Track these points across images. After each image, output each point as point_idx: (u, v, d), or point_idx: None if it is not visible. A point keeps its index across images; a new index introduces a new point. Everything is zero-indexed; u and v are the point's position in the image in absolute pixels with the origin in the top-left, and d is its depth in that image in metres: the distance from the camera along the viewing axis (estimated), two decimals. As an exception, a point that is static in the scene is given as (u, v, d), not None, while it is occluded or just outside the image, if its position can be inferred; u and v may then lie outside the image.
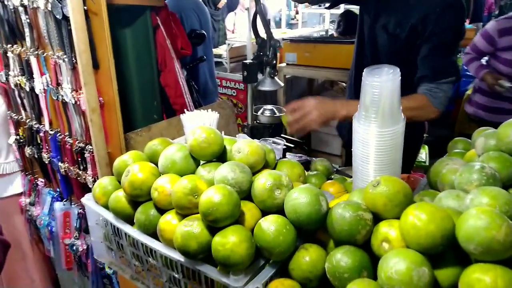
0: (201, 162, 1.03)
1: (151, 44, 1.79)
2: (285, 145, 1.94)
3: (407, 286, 0.64)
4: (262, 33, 1.56)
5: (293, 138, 2.14)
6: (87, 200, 1.14)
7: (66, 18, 1.25)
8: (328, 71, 3.16)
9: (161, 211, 0.97)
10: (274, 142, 1.73)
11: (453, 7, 1.38)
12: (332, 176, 1.45)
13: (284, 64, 3.31)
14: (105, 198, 1.08)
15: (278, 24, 5.13)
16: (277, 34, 4.26)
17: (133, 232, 0.99)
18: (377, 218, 0.81)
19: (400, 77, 0.92)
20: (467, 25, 6.09)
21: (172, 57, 1.90)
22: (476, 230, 0.62)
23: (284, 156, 1.87)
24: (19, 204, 2.02)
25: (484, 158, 0.93)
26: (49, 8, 1.27)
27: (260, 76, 1.57)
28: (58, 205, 1.77)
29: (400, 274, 0.64)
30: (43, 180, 1.90)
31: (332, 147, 3.17)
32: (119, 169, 1.07)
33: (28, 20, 1.42)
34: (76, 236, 1.71)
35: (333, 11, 4.39)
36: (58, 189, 1.80)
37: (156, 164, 1.06)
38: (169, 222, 0.91)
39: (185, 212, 0.89)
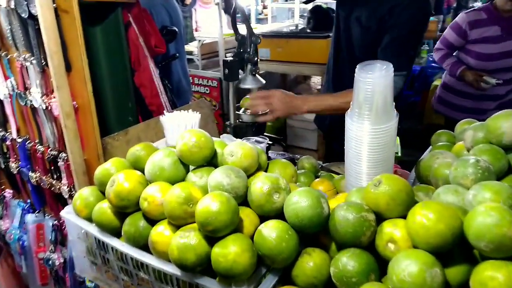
0: (191, 167, 0.99)
1: (123, 43, 1.71)
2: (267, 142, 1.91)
3: (421, 289, 0.62)
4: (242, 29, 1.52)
5: (271, 135, 2.12)
6: (66, 213, 1.06)
7: (32, 17, 1.15)
8: (302, 66, 3.16)
9: (151, 221, 0.91)
10: (256, 141, 1.70)
11: (417, 1, 1.40)
12: (320, 173, 1.44)
13: (257, 60, 3.28)
14: (87, 211, 1.01)
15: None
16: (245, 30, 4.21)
17: (121, 246, 0.93)
18: (379, 218, 0.79)
19: (393, 73, 0.91)
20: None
21: (145, 55, 1.82)
22: (487, 228, 0.62)
23: (266, 154, 1.84)
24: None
25: (475, 151, 0.94)
26: (12, 6, 1.17)
27: (241, 74, 1.53)
28: (30, 217, 1.65)
29: (413, 277, 0.63)
30: (11, 191, 1.77)
31: (309, 142, 3.17)
32: (102, 179, 1.00)
33: (-13, 20, 1.31)
34: (51, 249, 1.60)
35: (302, 5, 4.39)
36: (29, 200, 1.69)
37: (141, 171, 1.01)
38: (161, 233, 0.86)
39: (179, 222, 0.84)
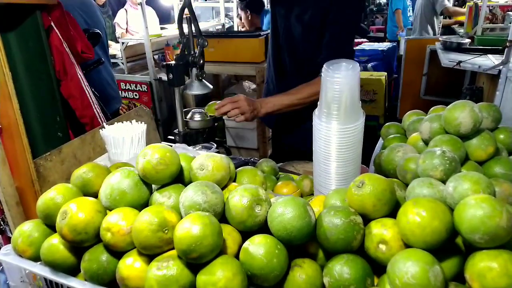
0: (154, 187, 0.89)
1: (45, 49, 1.51)
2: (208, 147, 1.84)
3: (426, 289, 0.62)
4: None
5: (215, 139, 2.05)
6: (4, 255, 0.89)
7: None
8: (235, 65, 3.12)
9: (115, 254, 0.80)
10: (204, 147, 1.62)
11: None
12: (279, 175, 1.41)
13: (189, 61, 3.16)
14: (32, 249, 0.86)
15: (170, 19, 4.89)
16: (172, 29, 4.05)
17: (82, 285, 0.80)
18: (365, 219, 0.78)
19: (359, 72, 0.91)
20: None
21: (72, 62, 1.63)
22: (480, 220, 0.63)
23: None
24: None
25: (436, 142, 0.97)
26: None
27: (186, 79, 1.43)
28: None
29: (417, 278, 0.62)
30: None
31: (249, 141, 3.15)
32: (47, 210, 0.86)
33: None
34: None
35: (227, 4, 4.35)
36: None
37: (93, 197, 0.88)
38: (131, 266, 0.76)
39: (154, 252, 0.74)
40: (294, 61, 1.69)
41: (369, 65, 4.80)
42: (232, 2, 4.15)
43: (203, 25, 4.33)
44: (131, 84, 3.38)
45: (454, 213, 0.68)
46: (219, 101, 1.52)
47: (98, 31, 2.46)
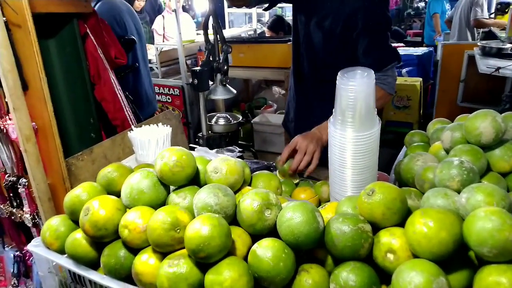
0: (171, 187, 0.92)
1: (81, 55, 1.61)
2: (239, 151, 1.87)
3: (429, 300, 0.61)
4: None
5: (240, 142, 2.08)
6: (35, 246, 0.96)
7: (-21, 33, 1.04)
8: (264, 70, 3.15)
9: (133, 250, 0.84)
10: (228, 151, 1.66)
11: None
12: (299, 180, 1.42)
13: (219, 66, 3.23)
14: (58, 242, 0.92)
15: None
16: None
17: (101, 279, 0.85)
18: (375, 227, 0.78)
19: (374, 80, 0.91)
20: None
21: (105, 67, 1.72)
22: (489, 233, 0.61)
23: (239, 163, 1.80)
24: None
25: (456, 151, 0.95)
26: (-44, 22, 1.05)
27: (211, 83, 1.48)
28: (-14, 250, 1.51)
29: (420, 289, 0.61)
30: (-39, 223, 1.60)
31: (277, 146, 3.17)
32: (73, 207, 0.92)
33: None
34: (14, 283, 1.47)
35: (259, 10, 4.40)
36: (-17, 232, 1.53)
37: (114, 195, 0.93)
38: (146, 263, 0.80)
39: (166, 250, 0.78)
40: (313, 68, 1.68)
41: (404, 70, 4.68)
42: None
43: (236, 31, 4.40)
44: (165, 88, 3.50)
45: (463, 225, 0.67)
46: (286, 160, 1.36)
47: (133, 37, 2.57)
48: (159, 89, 3.53)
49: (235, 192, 0.91)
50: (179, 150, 0.89)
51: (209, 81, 1.48)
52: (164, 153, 0.88)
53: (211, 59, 1.43)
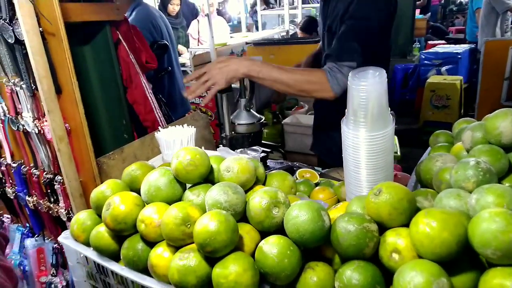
0: (187, 185, 0.97)
1: (113, 61, 1.70)
2: (264, 151, 1.90)
3: (429, 300, 0.61)
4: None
5: (269, 143, 2.10)
6: (64, 238, 1.04)
7: (19, 42, 1.14)
8: (295, 71, 3.14)
9: (150, 244, 0.89)
10: (252, 150, 1.68)
11: None
12: (319, 181, 1.42)
13: (250, 68, 3.28)
14: (85, 235, 0.99)
15: (237, 28, 5.08)
16: (239, 38, 4.22)
17: (120, 270, 0.91)
18: (382, 227, 0.78)
19: (386, 79, 0.90)
20: (418, 15, 6.34)
21: (137, 72, 1.81)
22: (492, 235, 0.60)
23: (265, 164, 1.82)
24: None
25: (475, 152, 0.92)
26: (-1, 32, 1.16)
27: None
28: (29, 242, 1.63)
29: (420, 289, 0.61)
30: (9, 216, 1.75)
31: (307, 147, 3.15)
32: (98, 202, 0.99)
33: (-25, 47, 1.29)
34: (53, 273, 1.58)
35: (292, 11, 4.40)
36: (27, 225, 1.66)
37: (137, 192, 0.99)
38: (160, 256, 0.84)
39: (178, 244, 0.82)
40: None
41: (443, 68, 4.51)
42: (297, 9, 4.19)
43: (268, 32, 4.44)
44: (198, 90, 3.60)
45: (468, 226, 0.65)
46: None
47: (166, 42, 2.67)
48: (193, 92, 3.63)
49: (248, 190, 0.94)
50: (193, 150, 0.93)
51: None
52: (179, 152, 0.93)
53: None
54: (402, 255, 0.71)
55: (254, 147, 1.66)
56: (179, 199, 0.94)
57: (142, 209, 0.89)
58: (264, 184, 1.04)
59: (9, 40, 1.15)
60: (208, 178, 0.97)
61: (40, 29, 1.10)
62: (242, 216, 0.86)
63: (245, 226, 0.84)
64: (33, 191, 1.47)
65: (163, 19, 2.83)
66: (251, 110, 1.48)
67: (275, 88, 1.46)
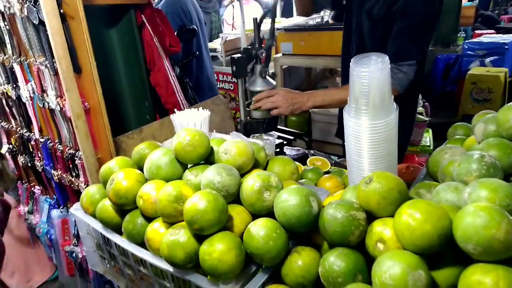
0: (189, 165, 1.00)
1: (137, 43, 1.75)
2: (284, 138, 1.90)
3: (403, 291, 0.60)
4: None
5: (293, 130, 2.10)
6: (75, 210, 1.11)
7: (43, 23, 1.20)
8: (325, 59, 3.09)
9: (149, 219, 0.93)
10: (268, 135, 1.69)
11: None
12: (330, 169, 1.41)
13: (280, 54, 3.25)
14: (93, 208, 1.05)
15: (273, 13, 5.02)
16: (269, 24, 4.16)
17: (121, 242, 0.96)
18: (371, 216, 0.77)
19: (389, 65, 0.87)
20: (466, 2, 5.97)
21: (160, 55, 1.85)
22: (474, 229, 0.58)
23: (282, 151, 1.82)
24: (19, 213, 2.01)
25: (484, 145, 0.88)
26: (25, 14, 1.22)
27: (249, 70, 1.51)
28: (55, 213, 1.74)
29: (394, 279, 0.60)
30: (39, 188, 1.87)
31: (334, 136, 3.10)
32: (105, 177, 1.04)
33: (7, 27, 1.38)
34: (75, 243, 1.69)
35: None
36: (54, 196, 1.78)
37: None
38: (156, 230, 0.88)
39: (171, 220, 0.85)
40: None
41: (487, 60, 4.24)
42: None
43: (303, 18, 4.35)
44: (227, 76, 3.62)
45: (453, 219, 0.63)
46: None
47: (194, 27, 2.70)
48: (222, 77, 3.66)
49: (245, 174, 0.95)
50: (193, 131, 0.95)
51: (247, 68, 1.52)
52: (180, 132, 0.95)
53: (251, 47, 1.47)
54: (387, 245, 0.70)
55: (269, 133, 1.66)
56: (179, 178, 0.97)
57: (142, 186, 0.93)
58: (265, 168, 1.05)
59: (34, 21, 1.22)
60: (209, 159, 0.99)
61: (61, 11, 1.15)
62: (235, 197, 0.88)
63: (237, 207, 0.86)
64: (58, 165, 1.56)
65: (193, 3, 2.85)
66: (266, 77, 1.49)
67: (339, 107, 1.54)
